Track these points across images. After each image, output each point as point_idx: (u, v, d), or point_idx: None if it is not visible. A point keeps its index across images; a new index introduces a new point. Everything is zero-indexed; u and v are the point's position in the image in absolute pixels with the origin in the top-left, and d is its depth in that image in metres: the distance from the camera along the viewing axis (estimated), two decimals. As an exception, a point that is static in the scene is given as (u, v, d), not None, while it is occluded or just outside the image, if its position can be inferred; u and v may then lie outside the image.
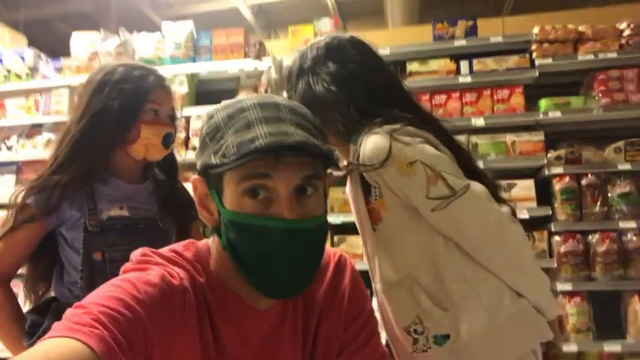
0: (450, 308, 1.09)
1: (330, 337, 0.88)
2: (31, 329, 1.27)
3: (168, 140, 1.38)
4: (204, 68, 3.04)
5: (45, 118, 3.17)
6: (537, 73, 2.72)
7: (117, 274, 1.24)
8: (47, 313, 1.28)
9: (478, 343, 1.07)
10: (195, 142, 2.97)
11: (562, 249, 2.57)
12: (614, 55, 2.64)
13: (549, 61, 2.69)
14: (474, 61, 2.79)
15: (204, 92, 3.23)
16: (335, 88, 1.18)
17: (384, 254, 1.16)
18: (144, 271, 0.75)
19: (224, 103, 0.80)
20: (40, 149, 3.17)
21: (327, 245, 0.90)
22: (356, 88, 1.20)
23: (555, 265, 2.57)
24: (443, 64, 2.82)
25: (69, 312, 0.65)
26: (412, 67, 2.85)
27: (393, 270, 1.15)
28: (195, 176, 0.80)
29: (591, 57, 2.66)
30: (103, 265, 1.28)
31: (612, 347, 2.50)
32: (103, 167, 1.36)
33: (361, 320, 0.91)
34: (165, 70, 2.99)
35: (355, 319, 0.90)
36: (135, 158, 1.38)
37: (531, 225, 2.63)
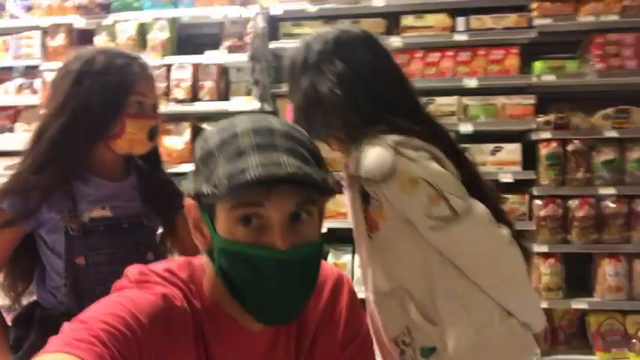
0: (439, 323, 1.12)
1: (326, 359, 0.90)
2: (16, 343, 1.26)
3: (153, 133, 1.31)
4: (187, 13, 2.85)
5: (15, 62, 2.98)
6: (535, 34, 2.63)
7: (101, 279, 1.25)
8: (31, 324, 1.26)
9: (463, 358, 1.11)
10: (176, 93, 2.85)
11: (542, 213, 2.64)
12: (615, 17, 2.55)
13: (549, 21, 2.59)
14: (472, 18, 2.68)
15: (186, 38, 3.05)
16: (340, 92, 1.13)
17: (378, 263, 1.17)
18: (145, 289, 0.75)
19: (218, 125, 0.77)
20: (12, 95, 3.01)
21: (327, 262, 0.89)
22: (362, 92, 1.14)
23: (534, 227, 2.65)
24: (439, 20, 2.70)
25: (67, 326, 0.66)
26: (407, 21, 2.72)
27: (386, 280, 1.16)
28: (189, 200, 0.79)
29: (592, 19, 2.57)
30: (87, 269, 1.25)
31: (579, 305, 2.67)
32: (84, 164, 1.28)
33: (358, 342, 0.93)
34: (144, 15, 2.81)
35: (352, 340, 0.92)
36: (118, 153, 1.31)
37: (514, 188, 2.68)
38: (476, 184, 1.17)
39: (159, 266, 0.81)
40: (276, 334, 0.84)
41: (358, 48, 1.19)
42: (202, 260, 0.83)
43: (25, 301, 1.36)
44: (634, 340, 2.64)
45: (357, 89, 1.14)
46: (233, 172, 0.69)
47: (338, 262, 2.73)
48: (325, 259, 2.76)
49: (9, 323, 1.32)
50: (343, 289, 0.93)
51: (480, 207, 1.11)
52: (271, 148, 0.71)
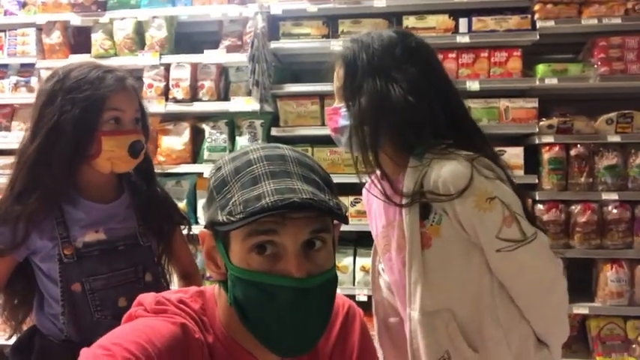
0: (481, 350, 1.09)
1: None
2: None
3: (135, 149, 1.24)
4: (185, 12, 2.81)
5: (11, 59, 2.93)
6: (538, 36, 2.60)
7: (99, 305, 1.21)
8: (30, 351, 1.22)
9: None
10: (175, 92, 2.81)
11: (544, 218, 2.62)
12: (618, 20, 2.53)
13: (551, 23, 2.57)
14: (474, 19, 2.65)
15: (184, 37, 3.01)
16: (413, 99, 1.09)
17: (427, 282, 1.12)
18: (165, 319, 0.73)
19: (231, 155, 0.78)
20: (8, 93, 2.96)
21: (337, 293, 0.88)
22: (436, 101, 1.11)
23: (536, 232, 2.62)
24: (441, 21, 2.67)
25: (89, 352, 0.65)
26: (409, 22, 2.69)
27: (432, 300, 1.12)
28: (202, 229, 0.78)
29: (595, 22, 2.54)
30: (84, 296, 1.21)
31: (580, 309, 2.64)
32: (71, 186, 1.23)
33: None
34: (141, 13, 2.77)
35: None
36: (102, 172, 1.25)
37: (516, 192, 2.65)
38: (527, 210, 1.15)
39: (172, 296, 0.80)
40: None
41: (429, 55, 1.17)
42: (214, 290, 0.82)
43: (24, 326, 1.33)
44: (634, 345, 2.63)
45: (432, 98, 1.11)
46: (248, 199, 0.69)
47: (339, 264, 2.69)
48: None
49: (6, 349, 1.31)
50: (355, 321, 0.91)
51: (542, 234, 1.10)
52: (285, 175, 0.72)
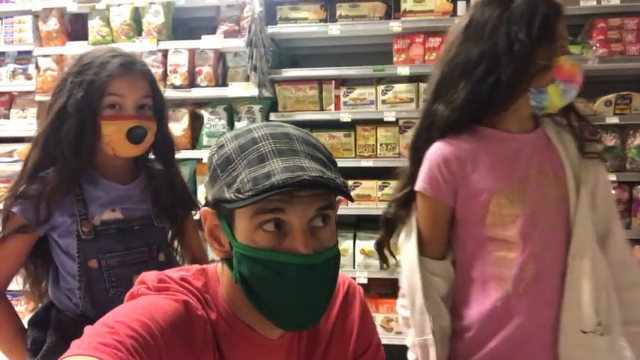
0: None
1: None
2: (34, 346, 1.25)
3: (135, 135, 1.24)
4: (181, -4, 2.79)
5: (8, 47, 2.92)
6: (537, 18, 2.59)
7: (114, 281, 1.24)
8: (47, 325, 1.25)
9: None
10: (173, 78, 2.80)
11: (543, 200, 2.63)
12: (617, 2, 2.51)
13: (550, 5, 2.55)
14: (472, 2, 2.63)
15: (181, 23, 2.99)
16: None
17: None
18: (167, 296, 0.74)
19: (233, 133, 0.77)
20: (6, 81, 2.96)
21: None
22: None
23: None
24: (439, 4, 2.65)
25: (92, 330, 0.65)
26: (407, 4, 2.67)
27: (598, 257, 1.15)
28: (204, 208, 0.79)
29: (593, 3, 2.52)
30: (100, 272, 1.24)
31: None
32: (89, 165, 1.26)
33: (370, 353, 0.92)
34: (138, -1, 2.75)
35: (364, 352, 0.91)
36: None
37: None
38: None
39: (175, 274, 0.80)
40: (291, 343, 0.84)
41: None
42: (216, 268, 0.83)
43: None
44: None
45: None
46: (257, 177, 0.69)
47: (339, 247, 2.71)
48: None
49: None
50: (355, 299, 0.92)
51: None
52: (292, 153, 0.72)
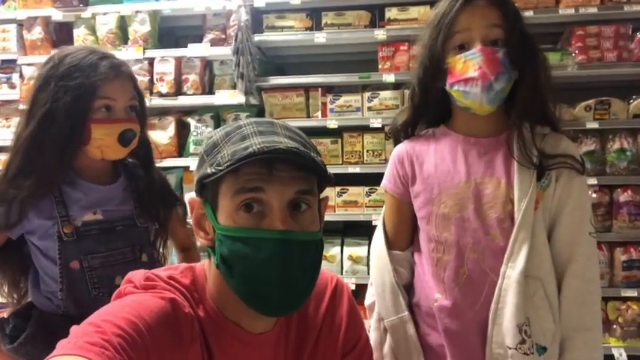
0: (558, 332, 1.11)
1: None
2: (13, 332, 1.24)
3: (126, 138, 1.25)
4: (168, 6, 2.80)
5: (-9, 56, 2.90)
6: (517, 26, 2.65)
7: (97, 282, 1.23)
8: (29, 319, 1.24)
9: None
10: (159, 86, 2.81)
11: (526, 203, 2.68)
12: (594, 10, 2.58)
13: (530, 13, 2.61)
14: (455, 10, 2.68)
15: (167, 32, 3.00)
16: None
17: (532, 244, 1.10)
18: (154, 294, 0.75)
19: (223, 126, 0.82)
20: (-10, 90, 2.93)
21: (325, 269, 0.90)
22: None
23: (518, 217, 2.68)
24: (423, 12, 2.70)
25: (78, 329, 0.65)
26: (391, 13, 2.72)
27: (533, 263, 1.10)
28: (192, 197, 0.81)
29: (572, 11, 2.59)
30: (82, 273, 1.23)
31: (562, 292, 2.72)
32: (68, 168, 1.25)
33: (358, 348, 0.94)
34: (124, 8, 2.76)
35: (353, 347, 0.93)
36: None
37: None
38: None
39: (162, 273, 0.81)
40: (278, 339, 0.85)
41: None
42: (204, 266, 0.84)
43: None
44: (615, 326, 2.71)
45: None
46: (236, 150, 0.72)
47: (327, 254, 2.72)
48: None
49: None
50: (343, 295, 0.94)
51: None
52: (273, 134, 0.75)
